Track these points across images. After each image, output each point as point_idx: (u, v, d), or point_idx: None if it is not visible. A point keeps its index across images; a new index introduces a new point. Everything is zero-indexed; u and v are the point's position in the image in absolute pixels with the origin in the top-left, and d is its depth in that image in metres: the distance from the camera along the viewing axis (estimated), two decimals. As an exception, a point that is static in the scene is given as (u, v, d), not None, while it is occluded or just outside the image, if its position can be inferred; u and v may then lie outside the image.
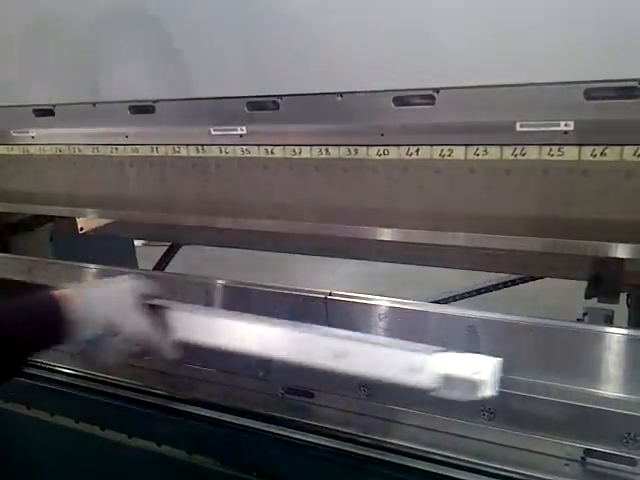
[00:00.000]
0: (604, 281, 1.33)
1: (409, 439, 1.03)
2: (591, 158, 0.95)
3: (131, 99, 1.28)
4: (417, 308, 1.12)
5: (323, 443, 1.07)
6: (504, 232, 1.06)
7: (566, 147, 0.95)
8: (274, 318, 0.99)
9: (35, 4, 1.32)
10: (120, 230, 2.14)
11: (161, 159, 1.36)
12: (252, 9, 1.08)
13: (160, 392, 1.25)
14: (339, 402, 1.10)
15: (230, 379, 1.21)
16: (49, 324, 0.93)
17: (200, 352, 1.08)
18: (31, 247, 2.06)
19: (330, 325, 1.14)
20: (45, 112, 1.41)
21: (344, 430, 1.07)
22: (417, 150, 1.07)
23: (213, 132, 1.24)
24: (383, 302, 1.13)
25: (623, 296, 1.60)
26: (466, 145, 1.03)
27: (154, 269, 2.39)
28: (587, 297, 1.36)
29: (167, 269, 2.46)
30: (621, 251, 1.00)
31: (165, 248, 2.52)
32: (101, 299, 0.99)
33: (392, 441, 1.03)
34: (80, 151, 1.47)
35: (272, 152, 1.21)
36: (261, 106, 1.15)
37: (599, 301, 1.34)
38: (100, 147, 1.43)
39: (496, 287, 2.35)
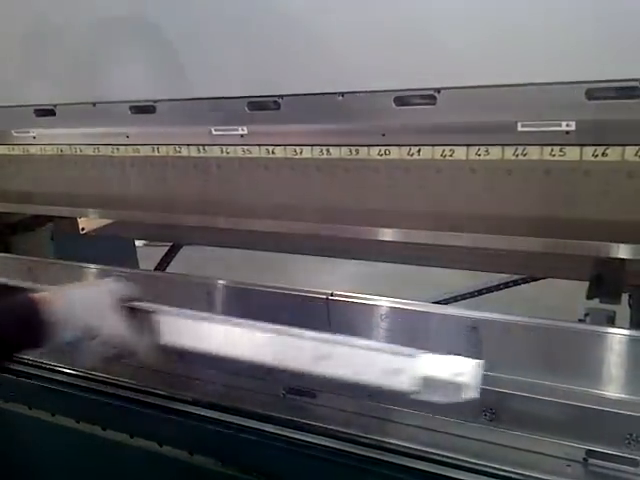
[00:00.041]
0: (606, 282, 1.32)
1: (409, 439, 1.02)
2: (592, 158, 0.94)
3: (132, 99, 1.28)
4: (419, 309, 1.12)
5: (323, 443, 1.07)
6: (505, 232, 1.06)
7: (568, 147, 0.95)
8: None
9: (36, 4, 1.32)
10: (121, 230, 2.14)
11: (162, 159, 1.36)
12: (253, 9, 1.08)
13: (161, 392, 1.25)
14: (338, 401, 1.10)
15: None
16: (29, 325, 0.93)
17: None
18: (32, 247, 2.06)
19: (331, 325, 1.14)
20: (46, 112, 1.41)
21: (344, 430, 1.07)
22: (418, 150, 1.07)
23: (214, 132, 1.24)
24: (385, 303, 1.13)
25: (625, 297, 1.60)
26: (467, 145, 1.02)
27: (155, 269, 2.39)
28: (589, 298, 1.36)
29: (168, 269, 2.46)
30: (623, 251, 1.00)
31: (166, 248, 2.52)
32: (81, 301, 1.00)
33: (392, 441, 1.03)
34: (81, 151, 1.47)
35: (273, 152, 1.21)
36: (262, 106, 1.15)
37: (601, 302, 1.34)
38: (101, 147, 1.43)
39: (497, 287, 2.35)
